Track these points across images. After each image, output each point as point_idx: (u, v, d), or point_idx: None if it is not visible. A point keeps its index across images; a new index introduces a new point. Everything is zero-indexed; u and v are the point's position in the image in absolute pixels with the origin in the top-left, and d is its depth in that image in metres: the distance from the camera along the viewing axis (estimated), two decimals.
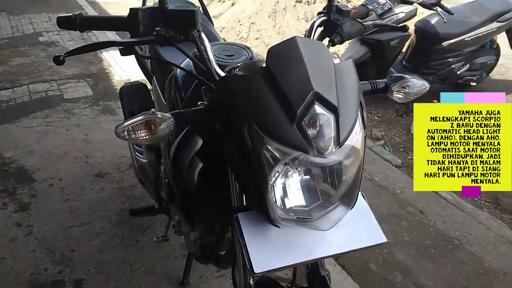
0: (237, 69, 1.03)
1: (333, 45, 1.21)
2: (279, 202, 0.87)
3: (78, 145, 2.95)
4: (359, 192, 0.98)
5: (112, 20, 0.98)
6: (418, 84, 1.05)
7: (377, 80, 1.07)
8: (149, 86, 2.18)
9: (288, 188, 0.88)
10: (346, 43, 3.78)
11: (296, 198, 0.88)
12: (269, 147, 0.80)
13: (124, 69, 4.20)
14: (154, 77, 1.82)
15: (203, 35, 1.00)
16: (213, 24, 2.11)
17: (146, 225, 2.23)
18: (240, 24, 4.88)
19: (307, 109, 0.79)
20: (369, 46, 3.54)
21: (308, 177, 0.88)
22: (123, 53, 1.00)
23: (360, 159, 0.88)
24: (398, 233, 2.27)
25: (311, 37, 1.20)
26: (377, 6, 3.35)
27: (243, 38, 4.81)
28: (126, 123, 0.85)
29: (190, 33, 0.95)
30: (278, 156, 0.80)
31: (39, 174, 2.63)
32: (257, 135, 0.80)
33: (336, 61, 0.97)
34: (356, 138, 0.85)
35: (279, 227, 0.90)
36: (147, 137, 0.86)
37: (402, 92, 1.05)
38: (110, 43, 0.91)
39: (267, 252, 0.90)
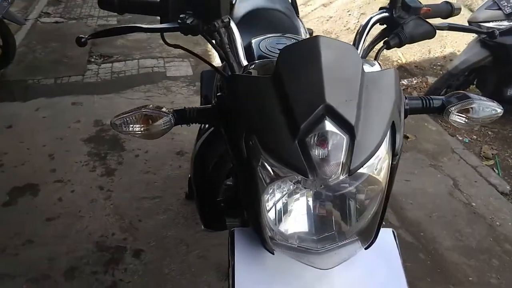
0: (253, 67, 0.91)
1: (388, 48, 1.01)
2: (279, 225, 0.75)
3: None
4: (391, 230, 0.83)
5: (148, 4, 0.96)
6: (485, 107, 0.82)
7: (432, 97, 0.86)
8: None
9: (293, 211, 0.75)
10: (465, 42, 3.33)
11: (300, 224, 0.75)
12: (265, 163, 0.68)
13: None
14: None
15: (232, 26, 0.92)
16: (298, 15, 1.98)
17: None
18: (349, 14, 4.61)
19: (314, 125, 0.65)
20: (490, 49, 3.05)
21: (318, 202, 0.75)
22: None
23: (381, 192, 0.72)
24: (484, 272, 1.93)
25: (364, 35, 1.02)
26: (506, 4, 2.85)
27: (350, 30, 4.55)
28: (123, 114, 0.80)
29: (212, 23, 0.87)
30: (273, 175, 0.68)
31: (129, 144, 2.82)
32: (254, 147, 0.69)
33: (374, 68, 0.80)
34: (378, 167, 0.69)
35: (273, 254, 0.78)
36: (140, 132, 0.81)
37: (464, 116, 0.83)
38: (134, 28, 0.88)
39: (257, 278, 0.79)
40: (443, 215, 2.30)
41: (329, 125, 0.65)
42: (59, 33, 4.85)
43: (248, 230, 0.84)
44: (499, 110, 0.82)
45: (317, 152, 0.64)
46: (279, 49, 1.12)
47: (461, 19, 4.28)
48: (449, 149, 2.94)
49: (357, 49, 1.01)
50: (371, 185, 0.72)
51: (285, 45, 1.18)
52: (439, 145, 2.99)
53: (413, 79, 4.03)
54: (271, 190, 0.72)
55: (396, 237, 0.85)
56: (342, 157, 0.64)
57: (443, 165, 2.76)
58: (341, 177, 0.66)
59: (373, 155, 0.67)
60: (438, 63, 4.20)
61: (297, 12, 2.00)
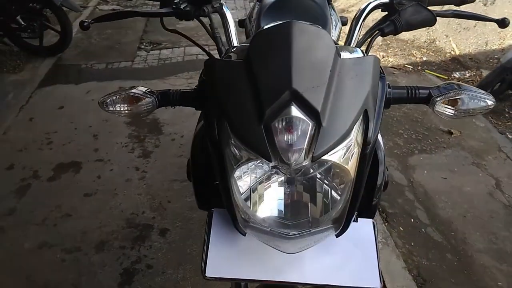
0: (233, 50, 0.91)
1: (383, 35, 0.96)
2: (252, 208, 0.76)
3: None
4: (371, 221, 0.82)
5: None
6: (475, 98, 0.76)
7: (418, 86, 0.81)
8: None
9: (267, 195, 0.76)
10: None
11: (274, 208, 0.76)
12: (233, 146, 0.70)
13: None
14: None
15: (225, 11, 0.93)
16: (330, 3, 1.94)
17: None
18: None
19: (280, 109, 0.64)
20: None
21: (292, 188, 0.75)
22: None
23: (350, 181, 0.70)
24: None
25: (360, 21, 0.98)
26: None
27: None
28: (110, 95, 0.84)
29: (202, 8, 0.89)
30: (240, 158, 0.70)
31: (167, 128, 2.93)
32: (225, 131, 0.70)
33: (353, 54, 0.78)
34: (347, 155, 0.68)
35: (244, 235, 0.80)
36: (126, 111, 0.84)
37: (451, 107, 0.78)
38: (134, 13, 0.92)
39: (229, 258, 0.81)
40: (479, 216, 2.18)
41: (295, 111, 0.64)
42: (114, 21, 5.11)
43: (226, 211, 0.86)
44: (490, 102, 0.77)
45: (283, 137, 0.65)
46: None
47: None
48: (496, 147, 2.76)
49: (353, 35, 0.98)
50: (341, 173, 0.71)
51: None
52: (485, 142, 2.82)
53: (466, 72, 3.80)
54: (245, 172, 0.73)
55: (376, 228, 0.84)
56: (306, 143, 0.64)
57: (487, 164, 2.60)
58: (304, 163, 0.66)
59: (341, 143, 0.66)
60: (495, 56, 3.92)
61: (329, 0, 1.97)
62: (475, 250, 1.97)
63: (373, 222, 0.84)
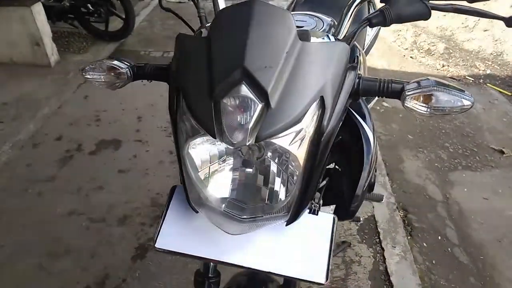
0: (206, 27, 0.90)
1: (371, 26, 0.89)
2: (208, 186, 0.76)
3: None
4: (332, 216, 0.81)
5: None
6: (449, 97, 0.69)
7: (393, 80, 0.76)
8: None
9: (221, 176, 0.76)
10: None
11: (227, 189, 0.76)
12: (186, 121, 0.70)
13: None
14: None
15: None
16: (369, 4, 1.88)
17: None
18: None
19: (230, 87, 0.64)
20: None
21: (247, 171, 0.74)
22: None
23: (300, 169, 0.68)
24: None
25: (351, 11, 0.92)
26: None
27: (469, 27, 4.09)
28: (91, 63, 0.88)
29: None
30: (190, 132, 0.70)
31: None
32: (181, 105, 0.71)
33: (321, 40, 0.75)
34: (296, 141, 0.66)
35: (196, 213, 0.80)
36: (102, 80, 0.87)
37: (423, 104, 0.71)
38: None
39: (181, 233, 0.82)
40: None
41: (244, 89, 0.63)
42: (178, 12, 5.30)
43: None
44: (467, 102, 0.70)
45: (231, 115, 0.64)
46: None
47: None
48: None
49: (341, 25, 0.94)
50: (293, 160, 0.69)
51: (304, 22, 1.17)
52: None
53: None
54: (200, 149, 0.73)
55: (335, 224, 0.80)
56: (252, 123, 0.63)
57: None
58: (248, 143, 0.65)
59: (290, 127, 0.64)
60: None
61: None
62: (504, 279, 1.81)
63: (333, 218, 0.81)
